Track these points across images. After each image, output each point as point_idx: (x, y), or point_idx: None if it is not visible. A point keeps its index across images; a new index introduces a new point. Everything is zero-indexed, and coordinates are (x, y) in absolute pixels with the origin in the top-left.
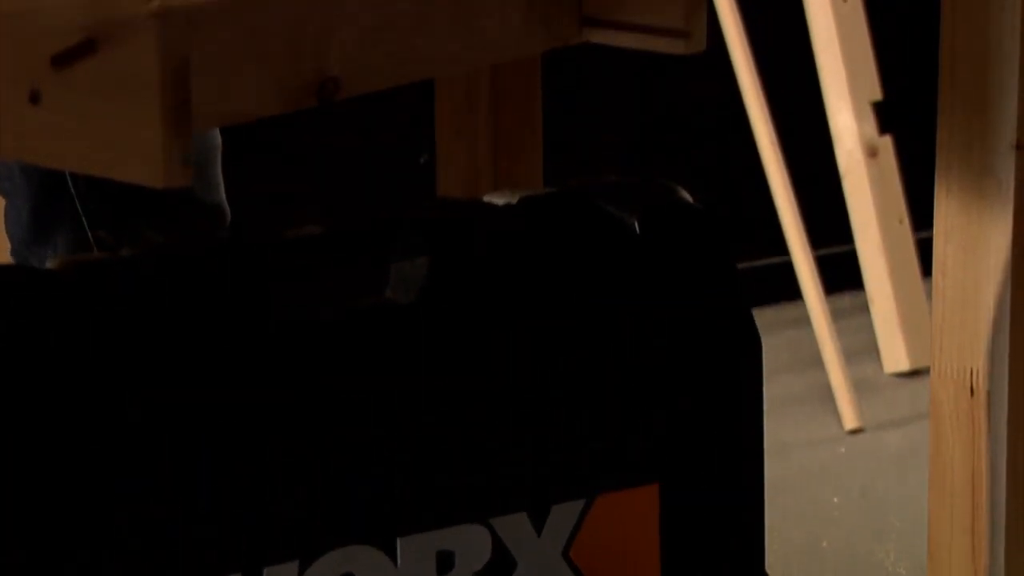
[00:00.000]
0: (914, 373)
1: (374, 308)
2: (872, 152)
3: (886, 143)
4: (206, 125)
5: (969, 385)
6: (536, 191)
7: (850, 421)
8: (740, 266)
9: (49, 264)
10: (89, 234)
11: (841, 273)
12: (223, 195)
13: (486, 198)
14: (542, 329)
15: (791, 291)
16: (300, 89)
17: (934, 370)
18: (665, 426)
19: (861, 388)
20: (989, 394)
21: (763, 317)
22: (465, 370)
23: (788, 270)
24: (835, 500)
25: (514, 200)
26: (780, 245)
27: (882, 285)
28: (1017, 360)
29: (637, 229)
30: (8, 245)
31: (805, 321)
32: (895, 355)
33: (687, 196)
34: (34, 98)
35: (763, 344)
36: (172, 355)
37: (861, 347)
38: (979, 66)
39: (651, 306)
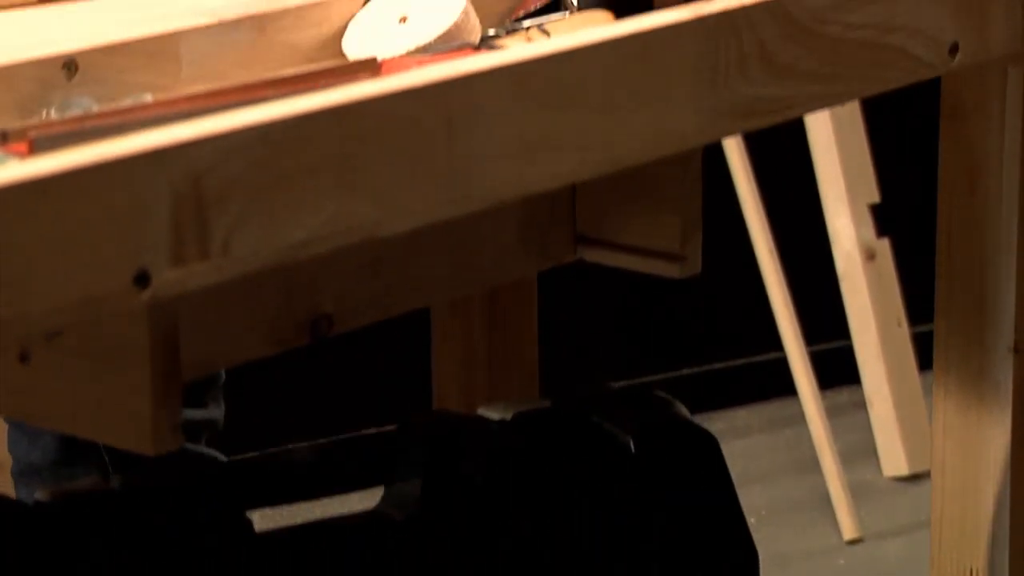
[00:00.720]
0: (913, 477)
1: (366, 523)
2: (870, 255)
3: (884, 246)
4: (196, 374)
5: None
6: (531, 404)
7: (849, 531)
8: (739, 362)
9: (38, 495)
10: None
11: (839, 368)
12: None
13: (481, 411)
14: (534, 548)
15: (791, 386)
16: (292, 329)
17: (933, 568)
18: None
19: (860, 493)
20: None
21: (762, 413)
22: None
23: (787, 365)
24: None
25: (508, 415)
26: (777, 343)
27: (880, 388)
28: (1017, 560)
29: (632, 448)
30: None
31: (803, 418)
32: (894, 459)
33: (683, 410)
34: (23, 357)
35: (760, 444)
36: None
37: (859, 448)
38: (976, 269)
39: (646, 524)
